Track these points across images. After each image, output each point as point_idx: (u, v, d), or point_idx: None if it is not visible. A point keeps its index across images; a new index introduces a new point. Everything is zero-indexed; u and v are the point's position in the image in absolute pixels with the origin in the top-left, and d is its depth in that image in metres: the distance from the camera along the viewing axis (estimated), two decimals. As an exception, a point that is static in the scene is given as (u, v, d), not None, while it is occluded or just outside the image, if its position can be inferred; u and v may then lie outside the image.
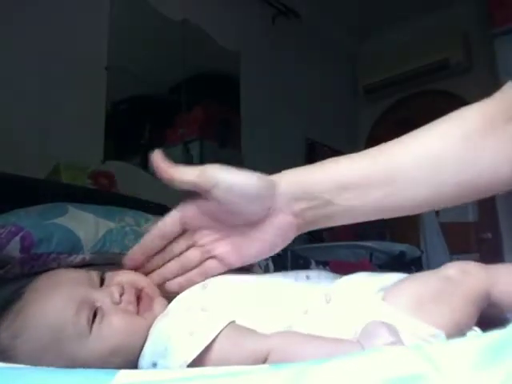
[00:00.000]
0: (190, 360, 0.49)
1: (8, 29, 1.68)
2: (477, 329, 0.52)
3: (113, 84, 2.02)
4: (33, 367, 0.42)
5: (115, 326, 0.56)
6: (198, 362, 0.50)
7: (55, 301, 0.56)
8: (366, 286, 0.59)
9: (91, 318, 0.56)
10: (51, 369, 0.40)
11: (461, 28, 3.22)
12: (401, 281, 0.56)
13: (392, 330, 0.47)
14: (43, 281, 0.61)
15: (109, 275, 0.63)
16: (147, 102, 2.30)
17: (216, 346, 0.51)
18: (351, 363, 0.31)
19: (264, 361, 0.49)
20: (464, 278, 0.53)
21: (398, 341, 0.45)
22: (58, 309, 0.55)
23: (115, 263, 1.14)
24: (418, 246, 2.51)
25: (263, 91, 2.87)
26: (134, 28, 2.24)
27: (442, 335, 0.48)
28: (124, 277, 0.62)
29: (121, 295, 0.58)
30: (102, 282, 0.62)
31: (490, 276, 0.54)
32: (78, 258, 1.07)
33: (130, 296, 0.59)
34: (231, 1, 2.68)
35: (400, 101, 3.59)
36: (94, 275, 0.63)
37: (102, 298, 0.58)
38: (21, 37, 1.71)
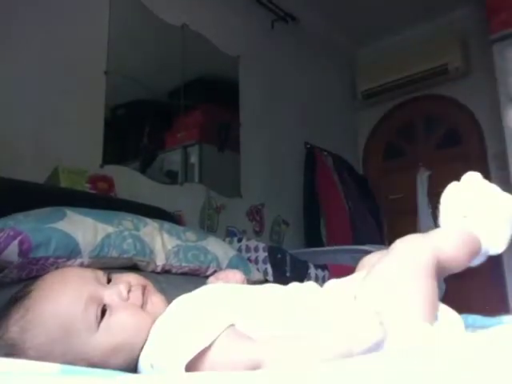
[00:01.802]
0: (187, 360, 0.50)
1: (8, 33, 1.68)
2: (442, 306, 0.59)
3: (112, 88, 2.02)
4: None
5: (124, 322, 0.58)
6: (194, 363, 0.50)
7: (64, 297, 0.58)
8: (353, 284, 0.63)
9: (99, 314, 0.58)
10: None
11: (460, 34, 3.23)
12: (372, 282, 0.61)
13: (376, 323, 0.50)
14: (51, 279, 0.63)
15: (115, 276, 0.66)
16: (146, 107, 2.30)
17: (213, 350, 0.51)
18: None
19: (256, 368, 0.49)
20: (415, 257, 0.60)
21: (384, 336, 0.48)
22: (67, 305, 0.57)
23: (114, 267, 1.14)
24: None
25: (262, 95, 2.88)
26: (133, 33, 2.25)
27: (428, 325, 0.51)
28: (130, 276, 0.66)
29: (128, 292, 0.62)
30: (108, 281, 0.65)
31: (433, 244, 0.63)
32: (76, 263, 1.07)
33: (137, 292, 0.63)
34: (230, 6, 2.69)
35: (399, 106, 3.60)
36: (101, 274, 0.65)
37: (109, 295, 0.60)
38: (21, 41, 1.72)
